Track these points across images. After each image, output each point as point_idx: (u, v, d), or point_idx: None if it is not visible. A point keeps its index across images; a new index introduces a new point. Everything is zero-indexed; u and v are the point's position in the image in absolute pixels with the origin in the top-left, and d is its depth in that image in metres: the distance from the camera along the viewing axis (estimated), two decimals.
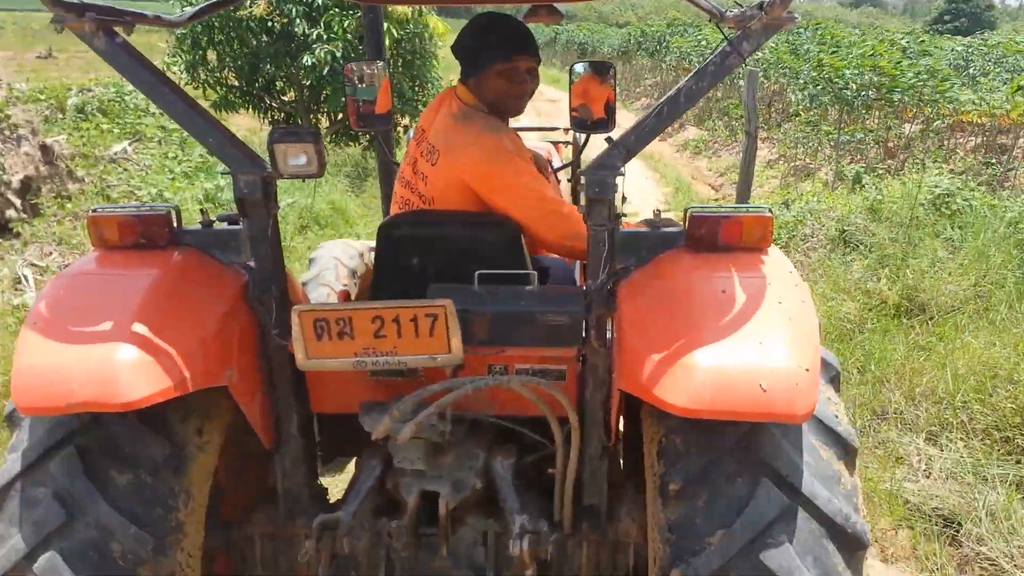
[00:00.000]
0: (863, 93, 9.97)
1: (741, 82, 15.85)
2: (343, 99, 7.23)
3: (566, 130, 4.68)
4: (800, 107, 12.07)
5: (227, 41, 9.97)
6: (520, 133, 2.93)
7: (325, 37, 9.72)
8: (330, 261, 3.89)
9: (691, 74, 1.99)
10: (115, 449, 2.07)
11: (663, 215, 2.31)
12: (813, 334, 1.95)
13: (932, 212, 7.55)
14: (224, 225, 2.32)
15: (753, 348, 1.87)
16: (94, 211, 2.26)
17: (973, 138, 11.30)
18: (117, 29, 2.01)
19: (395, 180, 3.04)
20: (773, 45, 14.59)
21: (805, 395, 1.82)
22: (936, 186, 7.78)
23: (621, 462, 2.85)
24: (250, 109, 11.20)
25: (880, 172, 10.01)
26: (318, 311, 2.16)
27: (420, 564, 2.52)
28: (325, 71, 9.73)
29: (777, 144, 12.88)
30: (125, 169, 9.61)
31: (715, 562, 1.89)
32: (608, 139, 2.11)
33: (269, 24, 9.91)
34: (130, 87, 10.83)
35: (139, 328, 1.96)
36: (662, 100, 2.02)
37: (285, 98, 11.10)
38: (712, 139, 15.49)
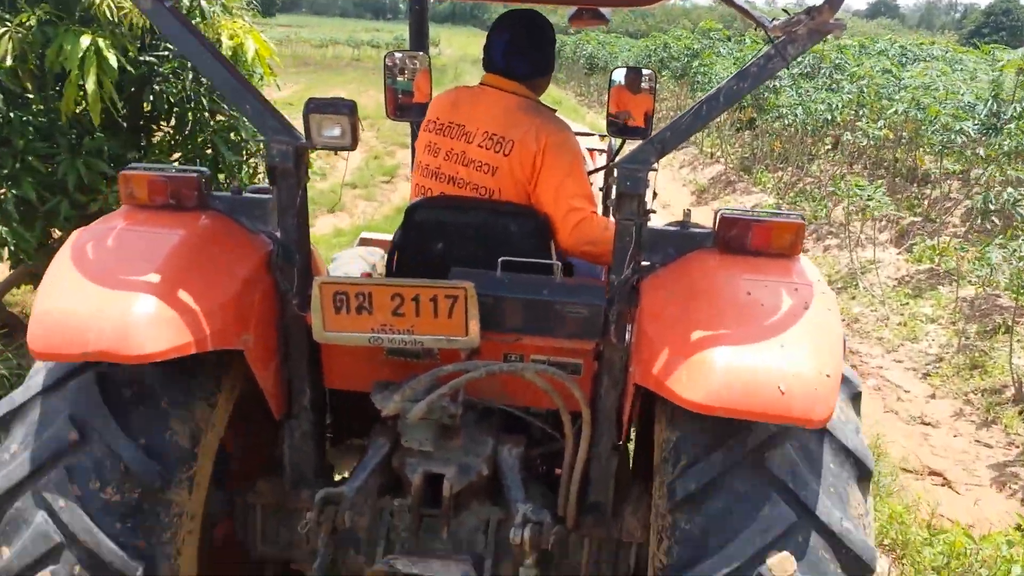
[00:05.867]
0: None
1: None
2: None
3: (602, 137, 4.53)
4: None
5: None
6: None
7: None
8: (350, 261, 3.71)
9: (733, 75, 2.05)
10: (132, 389, 2.12)
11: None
12: (837, 342, 1.96)
13: None
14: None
15: (774, 350, 1.87)
16: (126, 169, 2.32)
17: None
18: None
19: (419, 176, 2.99)
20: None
21: (824, 401, 1.82)
22: None
23: (630, 461, 2.89)
24: None
25: None
26: (339, 284, 2.19)
27: (420, 545, 2.50)
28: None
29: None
30: None
31: (719, 573, 1.88)
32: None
33: None
34: None
35: (159, 284, 2.01)
36: (701, 99, 2.06)
37: None
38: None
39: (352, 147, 2.16)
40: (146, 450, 2.07)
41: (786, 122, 10.12)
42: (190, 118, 4.76)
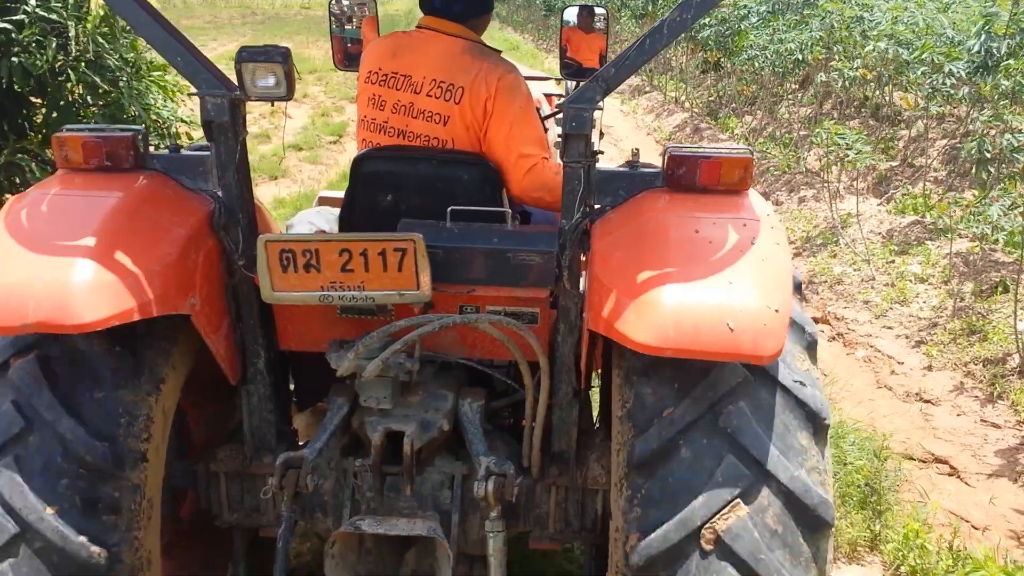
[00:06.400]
0: None
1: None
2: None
3: (558, 80, 4.32)
4: None
5: None
6: None
7: None
8: (306, 225, 3.49)
9: (676, 6, 2.00)
10: (77, 364, 2.05)
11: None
12: (785, 276, 1.96)
13: None
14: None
15: (722, 287, 1.87)
16: (60, 131, 2.24)
17: None
18: None
19: (365, 131, 2.85)
20: None
21: (773, 335, 1.82)
22: None
23: (596, 408, 2.86)
24: None
25: None
26: (284, 241, 2.15)
27: (385, 504, 2.48)
28: None
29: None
30: None
31: (674, 536, 1.88)
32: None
33: None
34: None
35: (97, 249, 1.96)
36: (644, 32, 2.03)
37: None
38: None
39: (288, 97, 2.10)
40: (97, 434, 2.01)
41: (757, 64, 9.40)
42: (69, 93, 3.97)
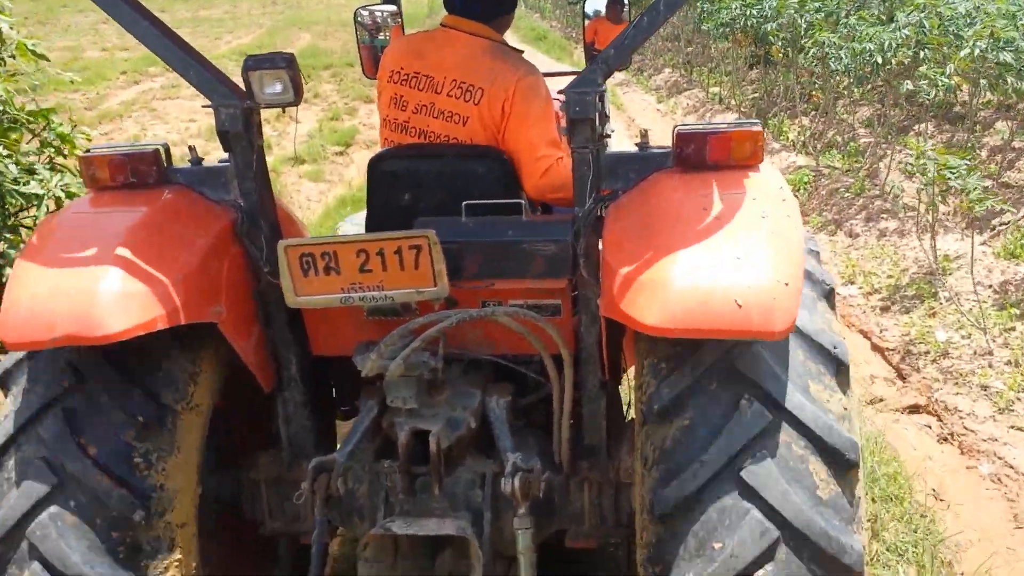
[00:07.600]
0: None
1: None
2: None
3: None
4: None
5: None
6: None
7: None
8: (353, 228, 3.69)
9: None
10: (107, 366, 2.10)
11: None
12: (796, 249, 1.96)
13: None
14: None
15: (730, 264, 1.86)
16: (86, 152, 2.31)
17: None
18: None
19: (387, 131, 2.90)
20: None
21: (784, 310, 1.80)
22: None
23: (629, 402, 2.85)
24: None
25: None
26: (303, 245, 2.16)
27: (418, 505, 2.47)
28: None
29: None
30: None
31: (695, 482, 1.87)
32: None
33: None
34: None
35: (121, 263, 2.00)
36: (643, 12, 2.02)
37: None
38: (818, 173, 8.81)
39: (296, 102, 2.12)
40: (136, 383, 2.09)
41: (829, 65, 7.96)
42: None
